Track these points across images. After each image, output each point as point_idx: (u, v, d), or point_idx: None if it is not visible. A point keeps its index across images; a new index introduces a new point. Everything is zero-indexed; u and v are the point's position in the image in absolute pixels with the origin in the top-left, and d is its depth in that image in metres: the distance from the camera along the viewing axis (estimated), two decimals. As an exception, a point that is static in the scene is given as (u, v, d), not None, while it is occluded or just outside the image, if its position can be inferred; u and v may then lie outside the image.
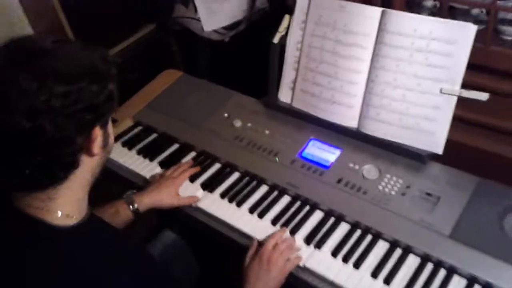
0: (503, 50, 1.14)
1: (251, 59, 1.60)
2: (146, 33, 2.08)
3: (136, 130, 1.55)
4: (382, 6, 1.21)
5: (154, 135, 1.53)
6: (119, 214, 1.20)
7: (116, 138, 1.51)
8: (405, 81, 1.18)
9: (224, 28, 1.86)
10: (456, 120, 1.17)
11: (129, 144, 1.49)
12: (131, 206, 1.21)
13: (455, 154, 1.18)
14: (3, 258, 0.77)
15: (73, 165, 0.79)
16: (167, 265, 1.32)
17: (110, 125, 0.86)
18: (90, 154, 0.80)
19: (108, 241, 0.88)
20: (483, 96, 1.11)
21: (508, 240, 1.02)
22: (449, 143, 1.18)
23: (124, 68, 1.99)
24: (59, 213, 0.80)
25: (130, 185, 1.39)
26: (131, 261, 0.88)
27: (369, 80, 1.24)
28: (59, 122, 0.72)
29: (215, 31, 1.86)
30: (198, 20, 1.84)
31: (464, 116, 1.21)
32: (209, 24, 1.85)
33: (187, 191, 1.30)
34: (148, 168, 1.41)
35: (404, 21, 1.16)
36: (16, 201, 0.80)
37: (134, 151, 1.47)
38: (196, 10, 1.83)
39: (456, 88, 1.13)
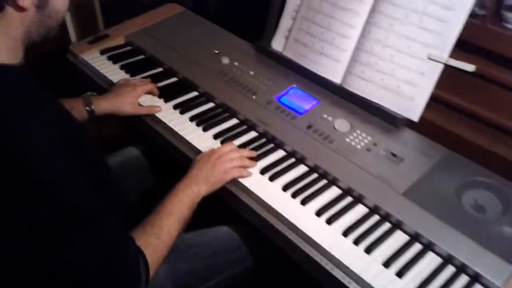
0: (500, 31, 1.12)
1: (256, 12, 1.58)
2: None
3: (125, 49, 1.54)
4: (390, -37, 1.20)
5: (141, 56, 1.51)
6: (76, 110, 1.18)
7: (104, 52, 1.51)
8: (396, 41, 1.17)
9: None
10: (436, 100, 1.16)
11: (114, 59, 1.48)
12: (87, 107, 1.20)
13: (430, 132, 1.17)
14: None
15: None
16: (122, 176, 1.29)
17: None
18: (17, 6, 0.78)
19: (32, 94, 0.84)
20: (470, 67, 1.09)
21: (462, 210, 0.99)
22: (426, 122, 1.16)
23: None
24: None
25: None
26: (51, 119, 0.83)
27: (361, 35, 1.23)
28: None
29: (227, -21, 1.85)
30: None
31: (445, 97, 1.19)
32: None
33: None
34: (126, 82, 1.39)
35: (408, -21, 1.15)
36: None
37: (117, 65, 1.46)
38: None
39: (444, 56, 1.12)
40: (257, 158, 1.14)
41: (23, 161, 0.71)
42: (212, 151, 1.09)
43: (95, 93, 1.25)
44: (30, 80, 0.85)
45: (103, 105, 1.22)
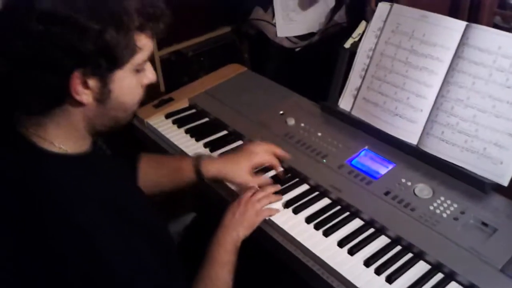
0: None
1: (319, 71, 1.56)
2: (222, 33, 2.09)
3: (189, 112, 1.54)
4: (468, 20, 1.15)
5: (205, 119, 1.50)
6: (182, 171, 1.15)
7: (168, 116, 1.51)
8: (479, 101, 1.10)
9: (298, 37, 1.85)
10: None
11: (179, 123, 1.48)
12: (196, 168, 1.14)
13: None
14: None
15: (51, 101, 0.77)
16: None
17: (123, 84, 0.80)
18: (76, 101, 0.77)
19: (103, 183, 0.84)
20: None
21: None
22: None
23: (193, 60, 2.01)
24: (50, 141, 0.80)
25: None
26: (126, 211, 0.83)
27: (439, 95, 1.16)
28: (31, 45, 0.71)
29: (288, 38, 1.85)
30: (274, 25, 1.84)
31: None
32: (284, 31, 1.84)
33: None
34: (192, 147, 1.38)
35: (489, 36, 1.09)
36: (17, 122, 0.81)
37: (182, 129, 1.45)
38: (274, 15, 1.83)
39: (536, 116, 1.03)
40: (334, 229, 1.07)
41: (87, 246, 0.73)
42: (240, 199, 1.10)
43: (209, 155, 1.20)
44: (95, 167, 0.86)
45: (211, 168, 1.14)
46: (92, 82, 0.76)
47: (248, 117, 1.44)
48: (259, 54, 1.97)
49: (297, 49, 1.85)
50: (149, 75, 0.85)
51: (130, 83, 0.81)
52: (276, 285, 1.18)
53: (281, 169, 1.21)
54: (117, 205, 0.81)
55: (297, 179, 1.23)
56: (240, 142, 1.39)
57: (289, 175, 1.25)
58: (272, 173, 1.23)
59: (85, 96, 0.77)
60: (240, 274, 1.01)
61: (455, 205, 1.07)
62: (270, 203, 1.12)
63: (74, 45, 0.71)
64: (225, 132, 1.44)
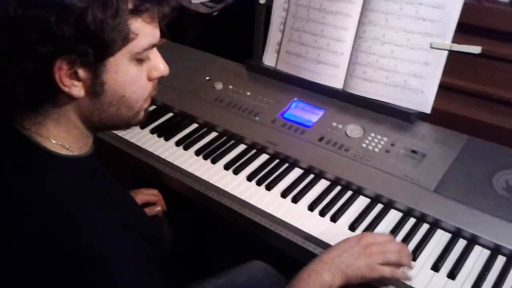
0: (495, 7, 1.09)
1: (240, 31, 1.55)
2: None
3: (113, 92, 1.49)
4: (372, -41, 1.17)
5: (131, 97, 1.46)
6: None
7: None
8: (394, 36, 1.13)
9: (212, 1, 1.81)
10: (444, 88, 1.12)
11: (104, 104, 1.42)
12: None
13: (445, 121, 1.13)
14: None
15: (40, 94, 0.69)
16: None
17: (119, 75, 0.70)
18: (66, 93, 0.68)
19: (101, 185, 0.78)
20: (476, 49, 1.06)
21: (496, 195, 0.95)
22: (438, 112, 1.12)
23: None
24: (52, 140, 0.72)
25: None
26: (119, 211, 0.76)
27: (357, 36, 1.19)
28: (10, 33, 0.64)
29: (203, 4, 1.81)
30: (186, -8, 1.79)
31: (453, 83, 1.15)
32: (198, -3, 1.80)
33: (161, 148, 1.23)
34: (122, 127, 1.34)
35: (394, -28, 1.12)
36: (14, 120, 0.73)
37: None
38: (185, -18, 1.78)
39: (447, 42, 1.08)
40: (275, 181, 1.09)
41: (95, 251, 0.66)
42: (363, 235, 0.87)
43: None
44: (97, 170, 0.79)
45: None
46: (82, 73, 0.67)
47: (175, 88, 1.42)
48: (176, 24, 1.92)
49: (215, 13, 1.82)
50: (159, 66, 0.76)
51: (128, 74, 0.71)
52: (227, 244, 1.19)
53: (159, 208, 1.21)
54: (120, 210, 0.76)
55: (233, 141, 1.23)
56: (170, 114, 1.37)
57: (225, 137, 1.25)
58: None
59: (75, 88, 0.68)
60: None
61: (385, 139, 1.11)
62: (398, 265, 0.85)
63: (52, 28, 0.62)
64: (153, 107, 1.41)
